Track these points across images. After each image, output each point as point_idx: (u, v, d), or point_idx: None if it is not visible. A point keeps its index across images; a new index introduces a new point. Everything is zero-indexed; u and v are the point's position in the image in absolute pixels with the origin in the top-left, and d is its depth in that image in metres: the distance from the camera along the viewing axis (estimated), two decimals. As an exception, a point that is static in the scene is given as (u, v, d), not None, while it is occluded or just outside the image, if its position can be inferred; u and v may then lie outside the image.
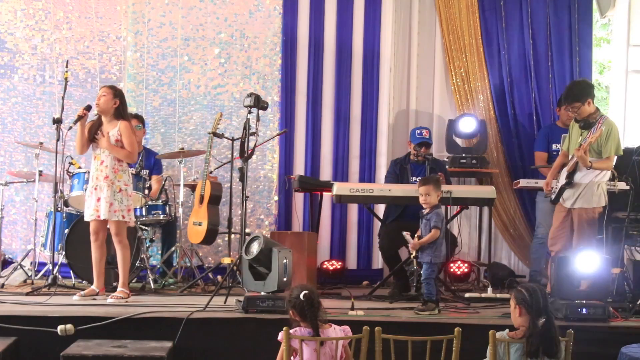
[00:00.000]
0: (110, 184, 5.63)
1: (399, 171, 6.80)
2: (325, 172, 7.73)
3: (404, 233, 5.57)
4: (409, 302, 5.84)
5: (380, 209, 7.05)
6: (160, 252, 7.19)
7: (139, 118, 7.14)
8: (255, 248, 5.20)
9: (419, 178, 5.98)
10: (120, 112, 5.74)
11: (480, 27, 7.79)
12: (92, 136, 5.71)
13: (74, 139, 5.96)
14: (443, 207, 5.60)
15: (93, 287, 5.76)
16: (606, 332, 5.02)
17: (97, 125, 5.72)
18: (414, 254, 5.53)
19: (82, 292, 5.69)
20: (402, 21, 7.90)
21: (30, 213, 6.86)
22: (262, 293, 5.16)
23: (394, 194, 6.29)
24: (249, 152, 6.04)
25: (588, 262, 5.17)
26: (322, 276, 7.30)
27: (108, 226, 5.75)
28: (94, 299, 5.64)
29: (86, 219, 5.74)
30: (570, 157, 5.91)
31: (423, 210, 5.62)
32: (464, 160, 7.33)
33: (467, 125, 7.42)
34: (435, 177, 5.82)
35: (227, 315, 5.09)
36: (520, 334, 3.85)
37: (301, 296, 3.83)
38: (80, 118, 5.71)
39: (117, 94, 5.74)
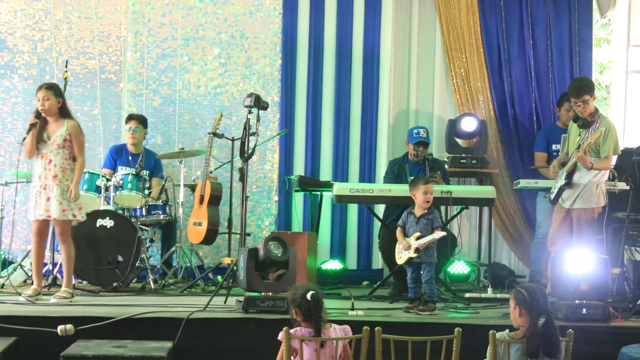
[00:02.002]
0: (59, 183, 5.60)
1: (397, 171, 6.81)
2: (325, 172, 7.73)
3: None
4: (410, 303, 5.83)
5: (380, 209, 7.05)
6: (160, 252, 7.19)
7: (141, 119, 7.14)
8: (280, 249, 5.21)
9: (415, 177, 5.98)
10: (65, 110, 5.75)
11: (480, 27, 7.78)
12: (39, 138, 5.65)
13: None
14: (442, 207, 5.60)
15: (36, 286, 5.66)
16: (606, 332, 5.02)
17: (42, 127, 5.65)
18: (415, 255, 5.51)
19: (28, 292, 5.58)
20: (402, 21, 7.90)
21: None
22: (262, 293, 5.16)
23: (394, 194, 6.29)
24: (249, 152, 6.04)
25: (584, 261, 5.17)
26: (322, 276, 7.30)
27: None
28: (37, 299, 5.55)
29: (34, 218, 5.64)
30: (569, 156, 5.91)
31: (414, 210, 5.63)
32: (464, 160, 7.34)
33: (469, 124, 7.42)
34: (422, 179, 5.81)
35: (227, 315, 5.10)
36: (520, 334, 3.85)
37: (308, 296, 3.80)
38: (33, 126, 5.63)
39: (58, 92, 5.72)
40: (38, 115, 5.67)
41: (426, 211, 5.56)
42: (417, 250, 5.48)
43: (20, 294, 5.59)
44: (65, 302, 5.48)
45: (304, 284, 4.07)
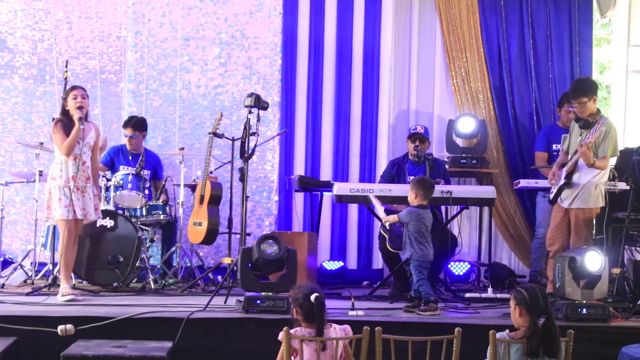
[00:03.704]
0: (90, 185, 5.74)
1: (396, 171, 6.81)
2: (325, 172, 7.73)
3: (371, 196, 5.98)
4: (410, 302, 5.84)
5: (380, 209, 7.05)
6: (160, 252, 7.19)
7: (138, 125, 7.05)
8: (274, 249, 5.21)
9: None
10: (88, 114, 5.87)
11: (481, 27, 7.79)
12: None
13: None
14: (423, 210, 5.61)
15: (69, 286, 5.68)
16: (606, 332, 5.03)
17: (71, 127, 5.66)
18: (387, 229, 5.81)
19: (67, 293, 5.59)
20: (402, 21, 7.91)
21: (31, 213, 6.85)
22: (262, 293, 5.16)
23: (394, 194, 6.29)
24: (249, 152, 6.05)
25: (584, 261, 5.18)
26: (322, 276, 7.30)
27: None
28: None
29: (72, 217, 5.63)
30: (569, 157, 5.91)
31: None
32: (464, 160, 7.34)
33: (466, 125, 7.43)
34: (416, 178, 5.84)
35: (227, 315, 5.10)
36: (520, 334, 3.85)
37: (312, 298, 3.78)
38: (81, 120, 5.65)
39: (88, 95, 5.83)
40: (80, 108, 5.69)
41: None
42: (385, 230, 5.80)
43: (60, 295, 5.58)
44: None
45: (308, 284, 4.03)
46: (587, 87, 5.85)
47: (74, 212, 5.64)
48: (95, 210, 5.81)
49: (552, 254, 5.83)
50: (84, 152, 5.71)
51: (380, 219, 6.04)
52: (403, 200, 5.86)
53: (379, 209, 5.90)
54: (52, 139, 5.84)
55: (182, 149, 6.89)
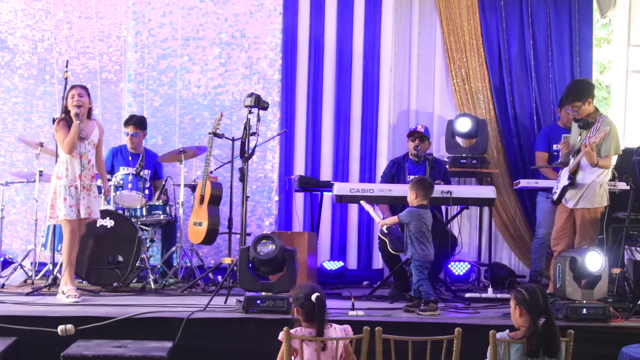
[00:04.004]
0: (95, 183, 5.77)
1: (396, 170, 6.81)
2: (325, 172, 7.73)
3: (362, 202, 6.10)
4: (410, 302, 5.84)
5: (380, 209, 7.05)
6: (160, 252, 7.19)
7: (139, 123, 7.05)
8: (269, 248, 5.21)
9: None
10: (91, 113, 5.87)
11: (481, 27, 7.79)
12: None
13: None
14: (424, 210, 5.61)
15: (74, 288, 5.67)
16: (606, 332, 5.03)
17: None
18: (385, 231, 5.94)
19: (75, 295, 5.59)
20: (402, 21, 7.91)
21: (31, 213, 6.85)
22: (262, 293, 5.16)
23: (394, 194, 6.29)
24: (250, 152, 6.05)
25: (586, 261, 5.18)
26: (322, 276, 7.30)
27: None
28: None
29: (76, 217, 5.64)
30: (570, 156, 5.91)
31: None
32: (464, 160, 7.35)
33: (464, 124, 7.44)
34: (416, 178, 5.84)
35: (227, 315, 5.10)
36: (520, 334, 3.85)
37: (313, 298, 3.78)
38: (78, 116, 5.64)
39: (89, 94, 5.81)
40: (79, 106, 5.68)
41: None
42: (384, 233, 5.90)
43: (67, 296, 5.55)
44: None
45: (309, 284, 4.04)
46: (580, 91, 5.80)
47: (78, 211, 5.64)
48: (98, 210, 5.84)
49: (557, 254, 5.82)
50: (89, 151, 5.72)
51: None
52: (404, 200, 5.87)
53: (373, 214, 6.02)
54: (54, 138, 5.84)
55: (183, 150, 6.85)
